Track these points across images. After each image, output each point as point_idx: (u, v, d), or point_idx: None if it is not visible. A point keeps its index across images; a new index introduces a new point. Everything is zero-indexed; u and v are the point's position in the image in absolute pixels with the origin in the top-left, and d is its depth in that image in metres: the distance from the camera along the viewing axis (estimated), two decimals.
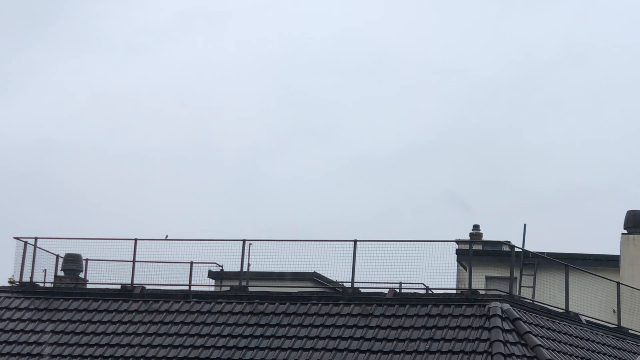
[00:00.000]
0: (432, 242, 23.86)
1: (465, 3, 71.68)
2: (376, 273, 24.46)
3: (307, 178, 67.78)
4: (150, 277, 26.02)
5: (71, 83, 68.78)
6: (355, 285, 24.45)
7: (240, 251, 25.21)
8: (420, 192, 66.13)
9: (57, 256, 27.46)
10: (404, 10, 71.91)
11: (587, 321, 25.46)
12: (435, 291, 24.41)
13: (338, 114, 70.84)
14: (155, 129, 69.74)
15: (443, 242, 24.07)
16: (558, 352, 22.29)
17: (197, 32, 73.06)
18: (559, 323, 24.10)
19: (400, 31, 71.64)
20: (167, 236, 26.52)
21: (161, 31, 72.52)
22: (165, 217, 60.91)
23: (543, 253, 28.30)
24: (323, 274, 27.32)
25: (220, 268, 27.36)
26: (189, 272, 26.02)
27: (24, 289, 26.24)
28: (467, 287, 24.13)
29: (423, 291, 24.57)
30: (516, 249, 25.73)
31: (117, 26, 71.04)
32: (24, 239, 26.75)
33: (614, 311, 27.23)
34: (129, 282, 25.79)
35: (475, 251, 25.46)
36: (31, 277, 26.57)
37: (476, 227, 35.53)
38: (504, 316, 22.42)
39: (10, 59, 69.42)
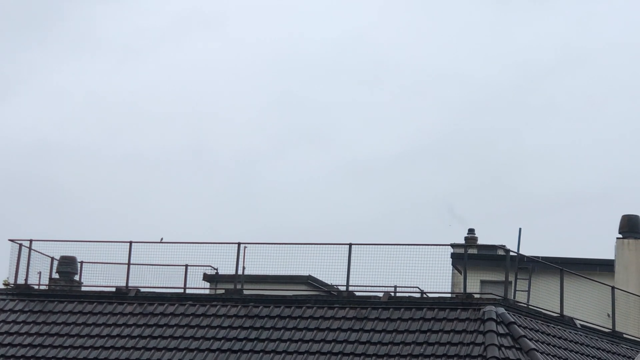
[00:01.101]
0: (427, 246, 23.86)
1: (462, 6, 71.72)
2: (371, 276, 24.46)
3: (303, 181, 67.75)
4: (145, 280, 26.04)
5: (69, 85, 68.74)
6: (350, 288, 24.45)
7: (236, 254, 25.22)
8: (416, 196, 66.11)
9: (52, 258, 27.44)
10: (401, 14, 71.98)
11: (581, 325, 25.47)
12: (430, 295, 24.41)
13: (334, 117, 70.82)
14: (152, 131, 69.72)
15: (438, 246, 24.06)
16: (553, 356, 22.30)
17: (195, 34, 73.07)
18: (554, 327, 24.12)
19: (398, 35, 71.64)
20: (162, 239, 26.53)
21: (159, 34, 72.50)
22: (161, 220, 60.91)
23: (538, 257, 28.30)
24: (318, 277, 27.35)
25: (215, 271, 27.39)
26: (184, 275, 26.05)
27: (19, 291, 26.23)
28: (462, 290, 24.13)
29: (418, 295, 24.59)
30: (511, 253, 25.72)
31: (114, 29, 71.03)
32: (19, 241, 26.74)
33: (608, 315, 27.24)
34: (124, 284, 25.78)
35: (470, 255, 25.45)
36: (26, 280, 26.54)
37: (471, 231, 35.50)
38: (498, 320, 22.42)
39: (8, 61, 69.45)
